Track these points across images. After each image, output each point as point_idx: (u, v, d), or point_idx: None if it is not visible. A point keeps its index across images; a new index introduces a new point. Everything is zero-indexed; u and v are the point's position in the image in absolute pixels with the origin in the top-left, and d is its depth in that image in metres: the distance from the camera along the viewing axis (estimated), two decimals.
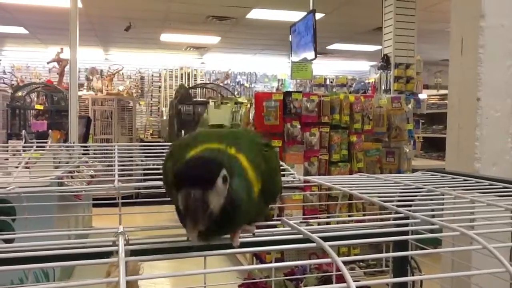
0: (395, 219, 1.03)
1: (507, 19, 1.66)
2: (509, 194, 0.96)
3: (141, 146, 1.67)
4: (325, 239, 0.59)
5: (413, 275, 1.36)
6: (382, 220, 1.11)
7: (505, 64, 1.66)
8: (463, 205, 0.87)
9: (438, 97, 9.03)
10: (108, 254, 0.59)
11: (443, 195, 0.93)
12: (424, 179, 1.19)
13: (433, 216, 0.78)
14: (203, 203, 0.65)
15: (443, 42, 9.38)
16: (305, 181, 1.27)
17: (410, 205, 0.87)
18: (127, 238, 0.60)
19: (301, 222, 0.69)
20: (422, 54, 7.09)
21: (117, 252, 0.57)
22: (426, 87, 9.66)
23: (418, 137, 6.91)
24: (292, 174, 1.31)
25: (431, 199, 0.94)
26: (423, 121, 7.95)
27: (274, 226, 0.78)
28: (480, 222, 0.80)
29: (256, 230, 0.72)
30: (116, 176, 1.12)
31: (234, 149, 0.75)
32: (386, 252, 1.43)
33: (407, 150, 4.68)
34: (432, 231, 0.77)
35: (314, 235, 0.60)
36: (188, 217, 0.66)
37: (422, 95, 7.34)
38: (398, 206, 0.83)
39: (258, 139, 0.85)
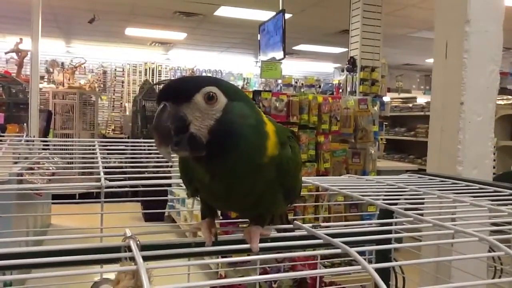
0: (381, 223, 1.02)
1: (491, 25, 1.69)
2: (505, 199, 0.97)
3: (104, 142, 1.61)
4: (346, 243, 0.56)
5: (396, 278, 1.36)
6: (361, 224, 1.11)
7: (488, 69, 1.69)
8: (464, 209, 0.87)
9: (400, 100, 9.26)
10: (115, 260, 0.54)
11: (441, 198, 0.93)
12: (414, 181, 1.19)
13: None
14: (174, 118, 0.59)
15: (405, 47, 9.59)
16: None
17: (416, 209, 0.87)
18: (138, 242, 0.55)
19: (314, 226, 0.66)
20: (385, 57, 7.22)
21: (127, 258, 0.52)
22: (388, 90, 9.88)
23: (382, 139, 7.05)
24: None
25: (429, 202, 0.93)
26: (386, 123, 8.12)
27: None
28: (486, 227, 0.80)
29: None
30: (102, 173, 1.06)
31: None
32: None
33: (373, 152, 4.75)
34: None
35: (336, 240, 0.57)
36: (155, 135, 0.60)
37: (386, 98, 7.48)
38: (406, 209, 0.82)
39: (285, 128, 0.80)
